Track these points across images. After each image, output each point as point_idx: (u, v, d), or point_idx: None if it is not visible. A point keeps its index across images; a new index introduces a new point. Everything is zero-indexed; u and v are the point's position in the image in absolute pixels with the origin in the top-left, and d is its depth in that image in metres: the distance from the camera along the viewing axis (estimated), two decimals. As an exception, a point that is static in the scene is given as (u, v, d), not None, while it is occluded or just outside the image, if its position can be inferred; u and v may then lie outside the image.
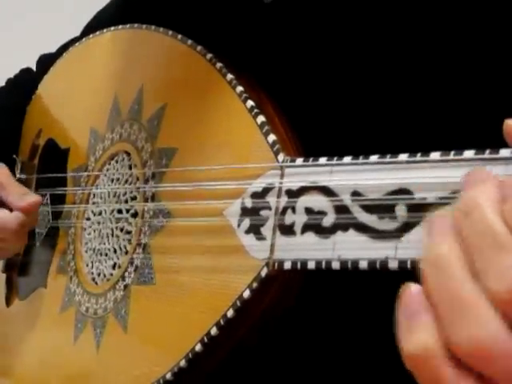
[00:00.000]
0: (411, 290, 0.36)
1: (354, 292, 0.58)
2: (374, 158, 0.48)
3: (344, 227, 0.48)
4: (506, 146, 0.40)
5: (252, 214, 0.55)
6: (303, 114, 0.59)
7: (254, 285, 0.53)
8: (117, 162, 0.73)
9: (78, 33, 0.87)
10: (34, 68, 0.93)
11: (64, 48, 0.87)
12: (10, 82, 0.93)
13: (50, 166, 0.83)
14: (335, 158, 0.50)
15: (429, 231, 0.36)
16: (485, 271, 0.33)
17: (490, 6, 0.52)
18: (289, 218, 0.52)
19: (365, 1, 0.57)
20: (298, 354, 0.60)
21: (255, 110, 0.57)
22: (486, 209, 0.34)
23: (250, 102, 0.58)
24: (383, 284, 0.56)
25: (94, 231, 0.73)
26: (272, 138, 0.55)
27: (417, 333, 0.35)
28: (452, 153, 0.43)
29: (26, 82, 0.90)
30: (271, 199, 0.54)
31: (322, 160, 0.51)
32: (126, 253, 0.68)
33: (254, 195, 0.55)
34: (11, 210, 0.75)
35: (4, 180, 0.77)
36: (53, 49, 0.90)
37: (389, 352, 0.57)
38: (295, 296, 0.56)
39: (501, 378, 0.32)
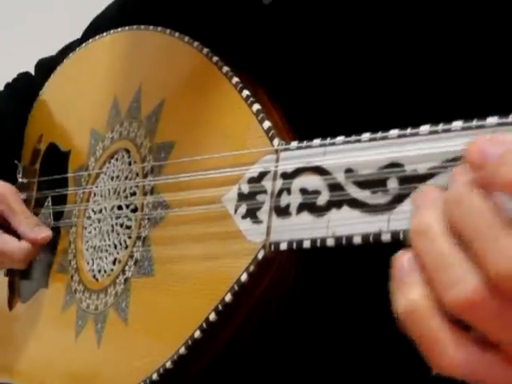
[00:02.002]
0: (402, 255, 0.38)
1: (352, 278, 0.59)
2: (366, 135, 0.49)
3: (338, 204, 0.49)
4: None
5: (248, 198, 0.56)
6: (297, 101, 0.60)
7: (252, 268, 0.54)
8: (117, 160, 0.74)
9: (77, 34, 0.89)
10: (33, 72, 0.95)
11: (62, 52, 0.88)
12: (8, 86, 0.95)
13: (52, 170, 0.84)
14: (328, 139, 0.51)
15: (416, 204, 0.38)
16: (482, 253, 0.34)
17: None
18: (284, 200, 0.53)
19: (359, 1, 0.59)
20: (296, 339, 0.61)
21: (251, 99, 0.59)
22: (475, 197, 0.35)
23: (246, 92, 0.59)
24: (382, 269, 0.56)
25: (95, 229, 0.74)
26: (267, 124, 0.56)
27: (407, 291, 0.36)
28: (441, 124, 0.44)
29: (26, 87, 0.91)
30: (267, 183, 0.55)
31: (316, 141, 0.52)
32: (126, 247, 0.69)
33: (251, 180, 0.56)
34: (17, 236, 0.77)
35: (15, 205, 0.78)
36: (52, 51, 0.92)
37: (387, 337, 0.58)
38: (293, 279, 0.57)
39: (483, 326, 0.35)
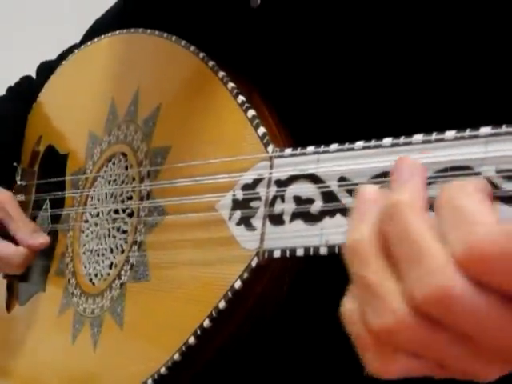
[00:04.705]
0: None
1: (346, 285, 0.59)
2: (359, 143, 0.48)
3: (331, 213, 0.49)
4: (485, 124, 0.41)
5: (243, 205, 0.55)
6: (291, 108, 0.59)
7: (245, 275, 0.54)
8: (114, 163, 0.74)
9: (78, 39, 0.89)
10: (34, 75, 0.95)
11: (63, 56, 0.88)
12: (11, 90, 0.95)
13: (50, 173, 0.84)
14: (322, 146, 0.51)
15: (352, 215, 0.39)
16: (406, 275, 0.35)
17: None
18: (278, 208, 0.53)
19: (347, 4, 0.58)
20: (291, 345, 0.60)
21: (246, 105, 0.58)
22: (408, 215, 0.36)
23: (241, 97, 0.59)
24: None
25: (92, 233, 0.74)
26: (262, 130, 0.56)
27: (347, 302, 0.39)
28: (434, 134, 0.44)
29: (27, 90, 0.91)
30: (261, 190, 0.54)
31: (310, 149, 0.52)
32: (122, 252, 0.69)
33: (245, 187, 0.56)
34: (15, 242, 0.77)
35: (13, 212, 0.79)
36: (53, 55, 0.92)
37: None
38: (287, 287, 0.56)
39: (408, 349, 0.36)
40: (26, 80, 0.95)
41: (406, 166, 0.38)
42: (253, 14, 0.63)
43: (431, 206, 0.42)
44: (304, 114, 0.59)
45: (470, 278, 0.34)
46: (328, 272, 0.57)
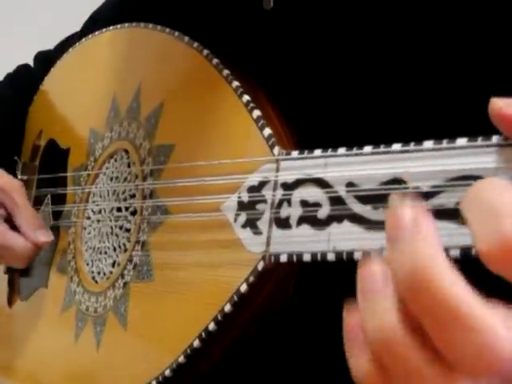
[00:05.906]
0: None
1: (351, 287, 0.58)
2: (367, 148, 0.47)
3: (339, 219, 0.48)
4: (498, 133, 0.40)
5: (248, 208, 0.55)
6: (298, 108, 0.59)
7: (251, 279, 0.53)
8: (116, 160, 0.73)
9: (77, 27, 0.87)
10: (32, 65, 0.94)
11: (62, 45, 0.87)
12: (9, 76, 0.93)
13: (51, 167, 0.83)
14: (329, 150, 0.50)
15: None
16: (456, 356, 0.30)
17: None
18: (284, 211, 0.52)
19: (360, 6, 0.57)
20: (295, 348, 0.60)
21: (251, 105, 0.57)
22: (440, 282, 0.30)
23: (246, 97, 0.58)
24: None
25: (94, 230, 0.73)
26: (267, 131, 0.55)
27: None
28: (445, 141, 0.43)
29: (26, 79, 0.90)
30: (267, 193, 0.54)
31: (317, 152, 0.51)
32: (125, 251, 0.68)
33: (251, 189, 0.55)
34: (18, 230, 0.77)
35: (20, 202, 0.77)
36: (51, 44, 0.91)
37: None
38: (293, 290, 0.56)
39: None
40: (23, 68, 0.94)
41: (405, 216, 0.31)
42: (265, 16, 0.62)
43: (443, 212, 0.42)
44: (312, 115, 0.58)
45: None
46: (334, 272, 0.56)
